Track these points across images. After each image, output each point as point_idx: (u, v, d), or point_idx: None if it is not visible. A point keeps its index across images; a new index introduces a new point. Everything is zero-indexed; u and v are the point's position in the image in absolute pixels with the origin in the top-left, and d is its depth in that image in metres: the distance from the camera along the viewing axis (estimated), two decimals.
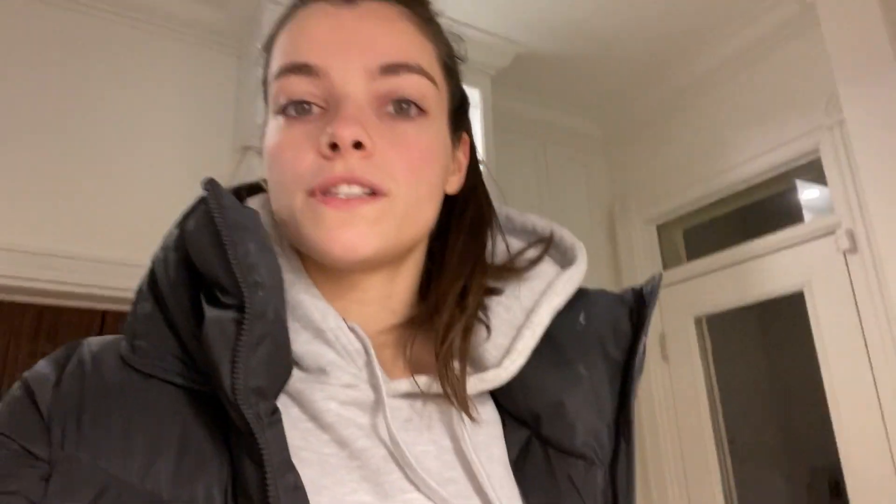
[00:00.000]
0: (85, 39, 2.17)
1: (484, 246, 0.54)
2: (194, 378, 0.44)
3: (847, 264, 2.21)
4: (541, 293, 0.51)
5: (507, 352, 0.48)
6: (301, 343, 0.46)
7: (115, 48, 2.21)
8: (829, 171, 2.28)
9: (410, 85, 0.47)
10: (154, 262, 0.47)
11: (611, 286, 2.90)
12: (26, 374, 0.45)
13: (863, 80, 2.06)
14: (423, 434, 0.46)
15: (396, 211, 0.45)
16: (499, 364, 0.47)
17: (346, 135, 0.43)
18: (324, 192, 0.44)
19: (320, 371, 0.45)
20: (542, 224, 0.57)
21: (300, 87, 0.46)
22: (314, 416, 0.44)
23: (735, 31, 2.55)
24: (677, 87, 2.81)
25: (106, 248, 2.04)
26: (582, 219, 3.02)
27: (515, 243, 0.56)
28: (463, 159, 0.56)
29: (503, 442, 0.49)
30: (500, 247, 0.55)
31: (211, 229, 0.42)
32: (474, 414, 0.47)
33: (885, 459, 2.02)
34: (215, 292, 0.42)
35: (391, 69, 0.46)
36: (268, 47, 0.52)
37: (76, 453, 0.40)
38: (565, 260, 0.54)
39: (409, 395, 0.47)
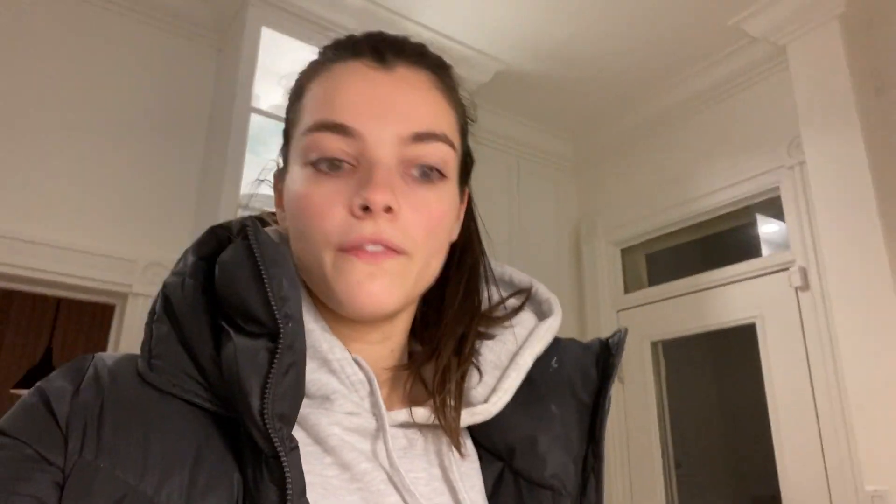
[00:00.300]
0: (61, 23, 2.14)
1: (479, 295, 0.59)
2: (210, 400, 0.45)
3: (798, 300, 2.30)
4: (523, 339, 0.55)
5: (493, 390, 0.52)
6: (308, 371, 0.47)
7: (94, 35, 2.19)
8: (788, 208, 2.37)
9: (436, 152, 0.50)
10: (168, 287, 0.49)
11: (574, 303, 2.96)
12: (41, 383, 0.46)
13: (825, 124, 2.15)
14: (416, 462, 0.50)
15: (414, 268, 0.49)
16: (486, 400, 0.51)
17: (379, 200, 0.46)
18: (352, 248, 0.47)
19: (324, 398, 0.48)
20: (519, 277, 0.61)
21: (334, 144, 0.48)
22: (318, 441, 0.47)
23: (708, 66, 2.63)
24: (649, 116, 2.88)
25: (64, 233, 2.01)
26: (549, 235, 3.07)
27: (496, 293, 0.60)
28: (463, 208, 0.59)
29: (480, 474, 0.53)
30: (484, 294, 0.60)
31: (251, 264, 0.45)
32: (462, 447, 0.51)
33: (822, 492, 2.10)
34: (237, 321, 0.45)
35: (421, 137, 0.49)
36: (297, 93, 0.54)
37: (95, 460, 0.41)
38: (542, 311, 0.59)
39: (404, 426, 0.51)
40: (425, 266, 0.50)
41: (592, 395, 0.56)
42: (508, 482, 0.52)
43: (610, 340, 0.58)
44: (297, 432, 0.46)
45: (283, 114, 2.09)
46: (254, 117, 2.13)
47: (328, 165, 0.48)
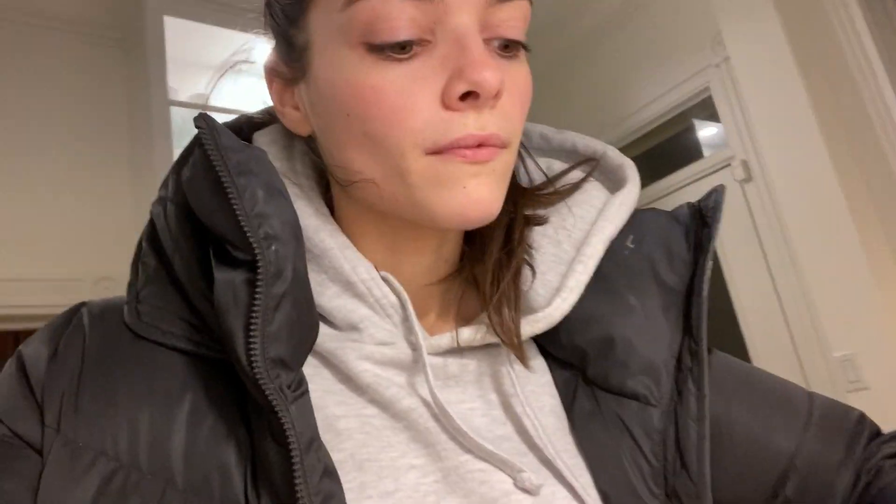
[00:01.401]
0: None
1: (516, 173, 0.48)
2: (207, 344, 0.38)
3: (744, 192, 2.36)
4: (591, 222, 0.45)
5: (558, 290, 0.43)
6: (329, 297, 0.41)
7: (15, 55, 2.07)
8: (720, 106, 2.41)
9: (519, 15, 0.39)
10: (152, 215, 0.41)
11: None
12: (21, 347, 0.40)
13: (743, 17, 2.17)
14: (468, 390, 0.42)
15: (512, 160, 0.40)
16: (549, 303, 0.42)
17: (494, 81, 0.36)
18: (450, 148, 0.37)
19: (352, 328, 0.40)
20: (584, 143, 0.50)
21: (404, 13, 0.36)
22: (349, 378, 0.40)
23: None
24: (574, 38, 2.88)
25: (8, 266, 1.94)
26: None
27: (555, 164, 0.50)
28: None
29: (554, 389, 0.45)
30: (536, 171, 0.49)
31: (210, 176, 0.36)
32: (526, 361, 0.43)
33: (793, 363, 2.20)
34: (226, 247, 0.37)
35: None
36: None
37: (75, 437, 0.36)
38: (614, 182, 0.48)
39: (451, 351, 0.42)
40: (515, 156, 0.41)
41: (684, 276, 0.45)
42: (583, 395, 0.43)
43: (702, 204, 0.46)
44: (324, 370, 0.40)
45: (203, 101, 1.99)
46: (175, 110, 2.06)
47: (396, 49, 0.36)
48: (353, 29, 0.37)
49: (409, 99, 0.36)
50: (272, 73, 0.44)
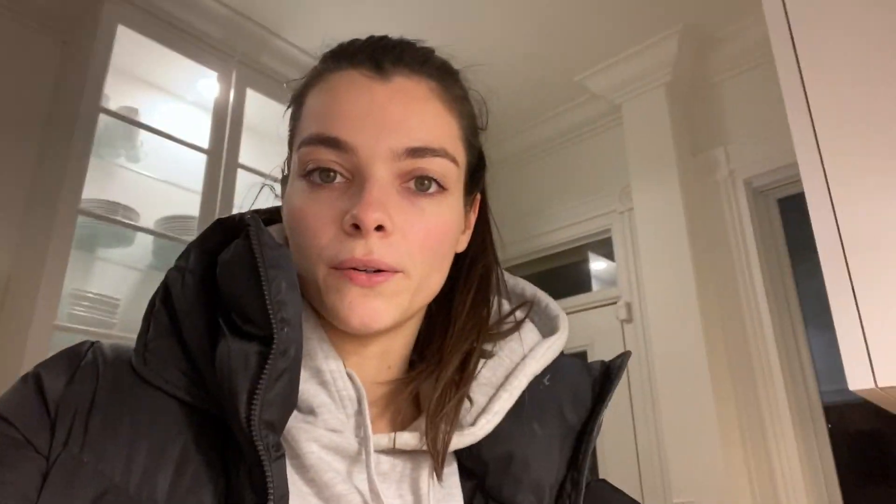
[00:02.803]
0: None
1: (489, 306, 0.56)
2: (202, 398, 0.45)
3: (623, 331, 2.56)
4: (521, 356, 0.53)
5: (483, 411, 0.49)
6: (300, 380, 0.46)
7: None
8: (617, 249, 2.65)
9: (433, 167, 0.48)
10: (169, 280, 0.48)
11: None
12: (38, 366, 0.45)
13: (650, 176, 2.45)
14: (392, 487, 0.48)
15: (411, 285, 0.47)
16: (474, 423, 0.49)
17: (370, 220, 0.44)
18: (344, 268, 0.45)
19: (310, 411, 0.47)
20: (530, 290, 0.59)
21: (327, 156, 0.46)
22: (298, 456, 0.45)
23: (554, 116, 2.88)
24: (498, 159, 3.08)
25: None
26: None
27: (505, 305, 0.57)
28: (473, 217, 0.58)
29: (461, 493, 0.50)
30: (494, 306, 0.57)
31: (250, 264, 0.44)
32: (443, 472, 0.49)
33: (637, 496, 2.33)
34: (235, 319, 0.44)
35: (417, 152, 0.47)
36: (298, 102, 0.53)
37: (80, 454, 0.40)
38: (548, 328, 0.56)
39: (386, 450, 0.48)
40: (424, 281, 0.48)
41: (582, 417, 0.53)
42: (479, 502, 0.50)
43: (611, 364, 0.55)
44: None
45: (133, 116, 1.98)
46: (101, 118, 1.99)
47: (321, 176, 0.47)
48: (298, 165, 0.48)
49: (320, 221, 0.46)
50: (283, 185, 0.55)
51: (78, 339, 0.49)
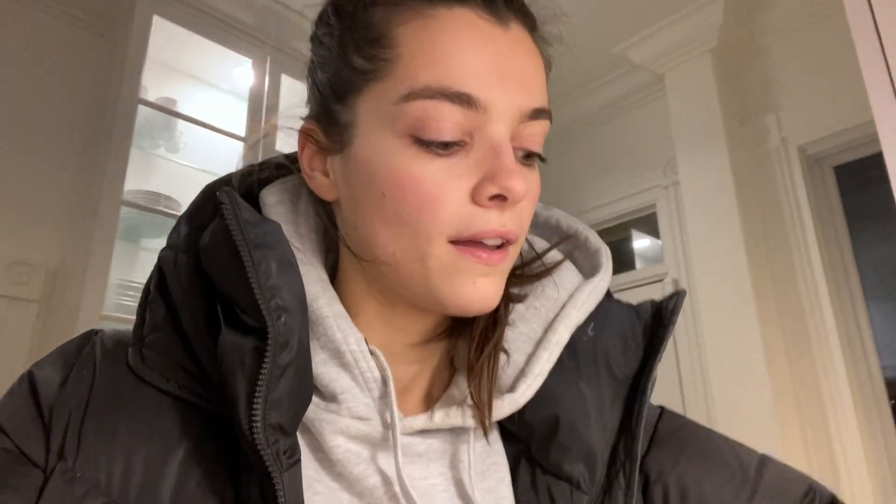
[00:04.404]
0: None
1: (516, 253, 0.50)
2: (206, 396, 0.40)
3: None
4: (560, 304, 0.47)
5: (523, 374, 0.44)
6: (316, 363, 0.42)
7: None
8: (662, 225, 2.56)
9: (542, 131, 0.43)
10: (162, 262, 0.43)
11: None
12: (32, 367, 0.42)
13: (696, 148, 2.35)
14: (431, 466, 0.44)
15: (515, 256, 0.44)
16: (514, 388, 0.44)
17: (522, 191, 0.39)
18: (470, 241, 0.40)
19: (332, 398, 0.42)
20: (567, 222, 0.53)
21: (454, 117, 0.39)
22: (322, 450, 0.42)
23: (595, 89, 2.80)
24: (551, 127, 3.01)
25: None
26: None
27: (538, 242, 0.52)
28: None
29: (507, 462, 0.46)
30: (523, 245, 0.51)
31: (229, 247, 0.39)
32: (481, 443, 0.45)
33: None
34: (235, 309, 0.39)
35: (537, 114, 0.42)
36: (378, 38, 0.42)
37: (73, 466, 0.37)
38: (588, 265, 0.51)
39: (421, 431, 0.44)
40: (518, 250, 0.45)
41: (633, 369, 0.47)
42: (524, 470, 0.45)
43: (663, 304, 0.49)
44: (301, 438, 0.41)
45: (171, 106, 1.95)
46: (140, 109, 2.00)
47: (442, 145, 0.40)
48: (403, 121, 0.40)
49: (443, 191, 0.40)
50: (307, 138, 0.46)
51: (125, 328, 0.45)
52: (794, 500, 0.47)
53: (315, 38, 0.47)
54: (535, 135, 0.43)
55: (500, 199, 0.40)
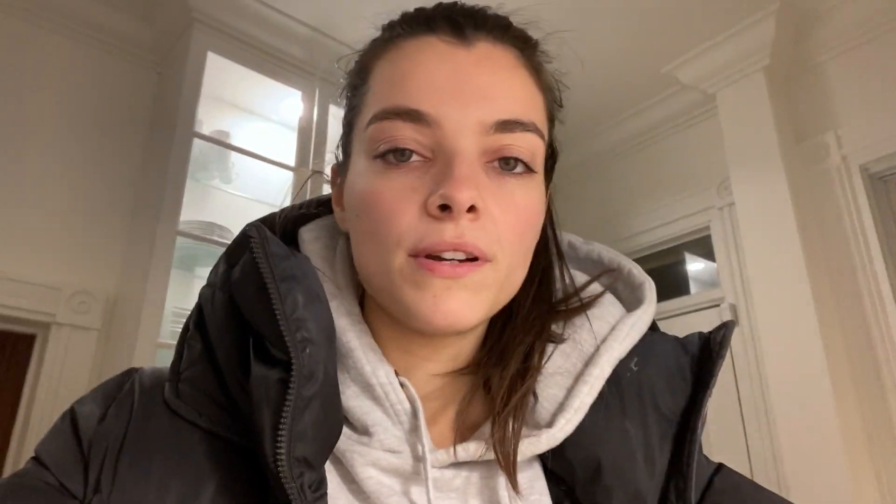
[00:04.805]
0: None
1: (552, 295, 0.50)
2: (238, 431, 0.41)
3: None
4: (602, 338, 0.46)
5: (562, 408, 0.43)
6: (348, 396, 0.42)
7: (24, 51, 2.08)
8: (718, 247, 2.49)
9: (522, 144, 0.42)
10: (201, 299, 0.44)
11: None
12: (74, 404, 0.44)
13: (751, 168, 2.28)
14: (469, 501, 0.43)
15: (498, 276, 0.42)
16: (552, 422, 0.43)
17: (464, 199, 0.39)
18: (428, 255, 0.40)
19: (364, 431, 0.42)
20: (609, 256, 0.52)
21: (406, 133, 0.41)
22: (353, 481, 0.41)
23: (643, 110, 2.76)
24: (585, 157, 2.98)
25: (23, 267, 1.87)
26: None
27: (579, 276, 0.51)
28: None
29: (550, 502, 0.44)
30: (563, 281, 0.51)
31: (257, 281, 0.39)
32: (520, 482, 0.43)
33: None
34: (265, 343, 0.39)
35: (507, 126, 0.42)
36: (361, 76, 0.46)
37: (108, 499, 0.38)
38: (632, 299, 0.49)
39: (456, 464, 0.43)
40: (511, 274, 0.43)
41: (680, 407, 0.45)
42: None
43: (712, 337, 0.47)
44: (334, 470, 0.42)
45: (224, 138, 2.00)
46: (195, 142, 2.06)
47: (397, 156, 0.41)
48: (368, 143, 0.42)
49: (399, 204, 0.40)
50: (336, 173, 0.50)
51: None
52: None
53: (345, 86, 0.51)
54: (513, 146, 0.42)
55: (449, 209, 0.39)
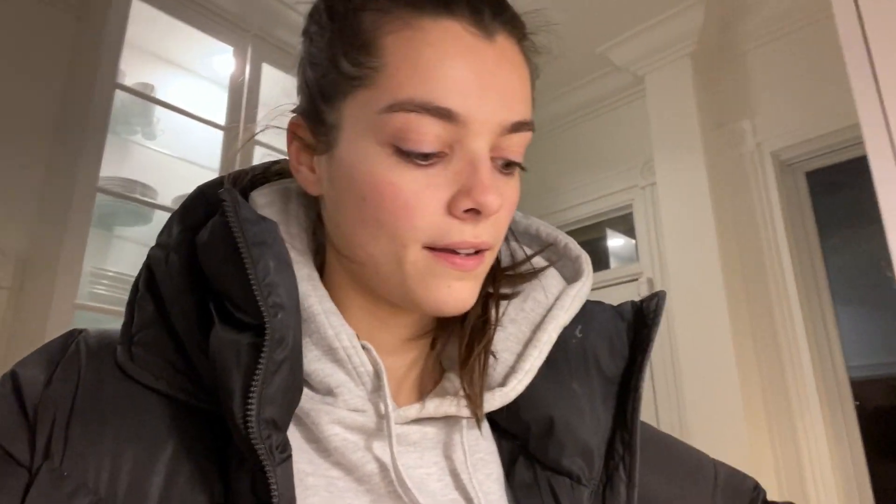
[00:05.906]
0: None
1: (500, 262, 0.53)
2: (196, 394, 0.41)
3: None
4: (546, 308, 0.49)
5: (513, 370, 0.46)
6: (310, 360, 0.43)
7: None
8: (639, 225, 2.60)
9: (522, 143, 0.44)
10: (151, 261, 0.44)
11: None
12: (15, 366, 0.41)
13: (674, 149, 2.39)
14: (426, 455, 0.45)
15: (491, 261, 0.45)
16: (505, 382, 0.46)
17: (494, 206, 0.40)
18: (444, 250, 0.42)
19: (328, 392, 0.43)
20: (546, 230, 0.54)
21: (433, 130, 0.40)
22: (318, 440, 0.42)
23: (575, 89, 2.82)
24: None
25: None
26: None
27: (518, 251, 0.54)
28: None
29: (499, 457, 0.48)
30: (505, 251, 0.54)
31: (229, 245, 0.39)
32: (467, 441, 0.46)
33: None
34: (227, 306, 0.39)
35: (517, 127, 0.43)
36: (366, 45, 0.42)
37: (60, 465, 0.37)
38: (570, 271, 0.52)
39: (416, 420, 0.46)
40: (496, 255, 0.46)
41: (620, 369, 0.50)
42: (522, 466, 0.47)
43: (644, 305, 0.51)
44: (296, 429, 0.42)
45: (149, 92, 1.90)
46: (117, 94, 1.96)
47: (422, 158, 0.41)
48: (386, 131, 0.41)
49: (420, 201, 0.41)
50: (294, 134, 0.47)
51: (99, 317, 0.45)
52: (746, 492, 0.58)
53: (307, 34, 0.47)
54: (517, 145, 0.44)
55: (474, 212, 0.41)
